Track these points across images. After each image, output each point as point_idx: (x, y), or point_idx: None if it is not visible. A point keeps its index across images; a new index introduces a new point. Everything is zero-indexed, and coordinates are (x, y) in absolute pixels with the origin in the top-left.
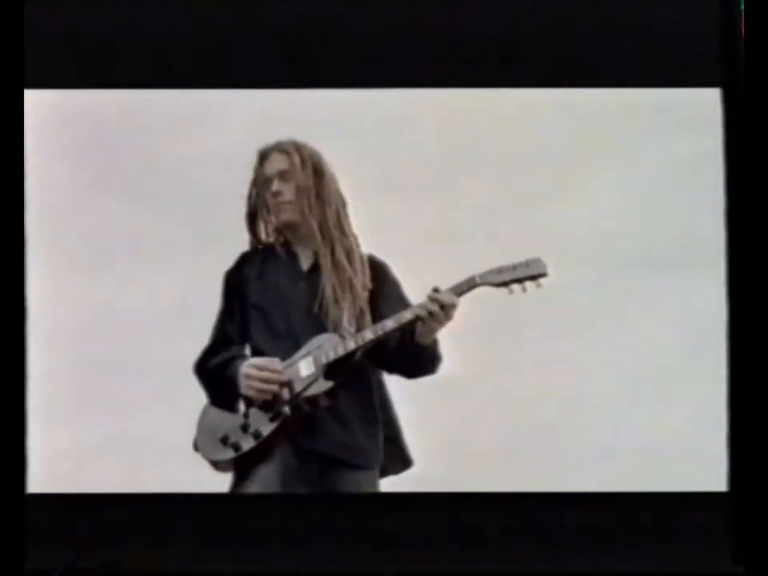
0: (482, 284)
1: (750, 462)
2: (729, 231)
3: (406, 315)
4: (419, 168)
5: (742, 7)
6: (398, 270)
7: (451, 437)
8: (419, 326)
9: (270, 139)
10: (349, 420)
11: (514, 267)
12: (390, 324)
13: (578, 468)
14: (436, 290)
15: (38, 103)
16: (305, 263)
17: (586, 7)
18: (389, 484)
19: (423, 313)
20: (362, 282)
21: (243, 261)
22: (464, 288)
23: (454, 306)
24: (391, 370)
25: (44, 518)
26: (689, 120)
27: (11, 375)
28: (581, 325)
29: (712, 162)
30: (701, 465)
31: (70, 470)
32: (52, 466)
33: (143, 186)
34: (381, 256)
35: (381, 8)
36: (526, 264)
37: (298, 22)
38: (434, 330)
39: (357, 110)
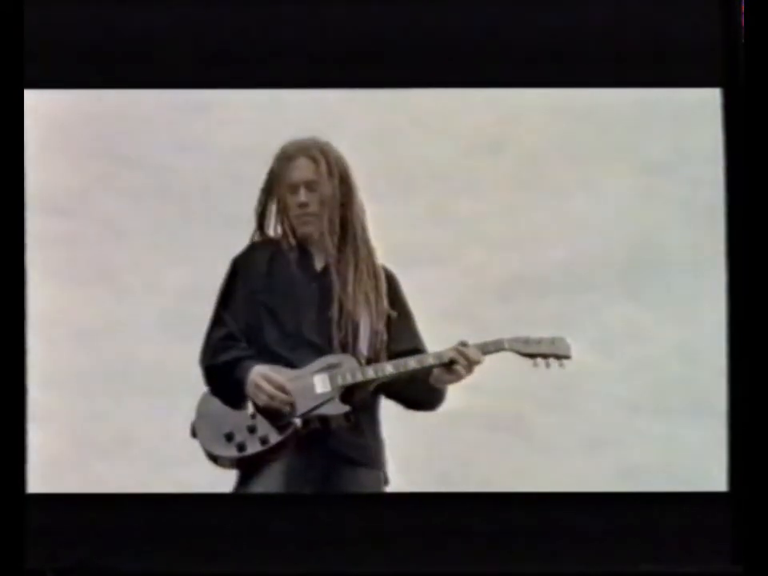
0: (509, 349)
1: (750, 461)
2: (729, 231)
3: (430, 360)
4: (421, 169)
5: (742, 7)
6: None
7: (451, 437)
8: (438, 372)
9: (271, 139)
10: (357, 421)
11: (539, 341)
12: (411, 363)
13: (578, 468)
14: (464, 344)
15: (37, 103)
16: (318, 263)
17: (586, 8)
18: (390, 484)
19: (447, 362)
20: (381, 301)
21: (253, 249)
22: (491, 348)
23: (477, 363)
24: (394, 399)
25: (44, 517)
26: (689, 120)
27: (11, 376)
28: (580, 324)
29: (712, 162)
30: (701, 465)
31: (70, 470)
32: (52, 466)
33: (144, 186)
34: (389, 265)
35: (382, 8)
36: (552, 341)
37: (298, 22)
38: (451, 381)
39: (358, 110)
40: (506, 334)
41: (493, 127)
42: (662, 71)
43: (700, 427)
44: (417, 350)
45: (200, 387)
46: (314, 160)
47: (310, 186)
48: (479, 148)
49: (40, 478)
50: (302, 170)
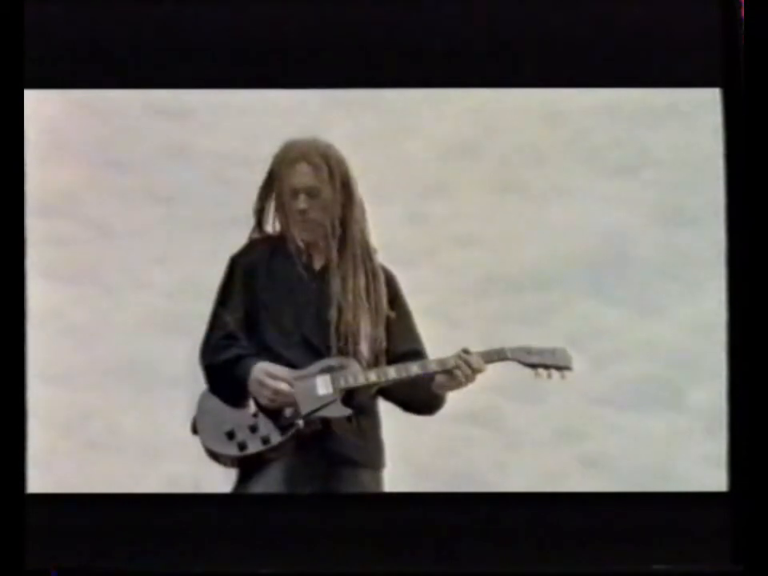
0: (512, 359)
1: (750, 462)
2: (729, 232)
3: (433, 366)
4: (420, 169)
5: (742, 7)
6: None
7: (453, 437)
8: (440, 378)
9: (268, 140)
10: (357, 421)
11: (541, 352)
12: (414, 369)
13: (577, 468)
14: (466, 351)
15: (38, 103)
16: (318, 262)
17: (586, 7)
18: (390, 484)
19: (450, 369)
20: (380, 303)
21: (251, 247)
22: (494, 357)
23: (480, 371)
24: (393, 401)
25: (44, 518)
26: (689, 120)
27: (11, 376)
28: (578, 324)
29: (712, 163)
30: (701, 465)
31: (70, 470)
32: (52, 466)
33: (143, 186)
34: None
35: (362, 10)
36: (553, 352)
37: (298, 22)
38: (453, 388)
39: (357, 109)
40: (480, 330)
41: (470, 128)
42: (662, 71)
43: (672, 422)
44: (416, 351)
45: (194, 384)
46: (315, 166)
47: (310, 192)
48: (455, 149)
49: (40, 478)
50: (302, 176)
